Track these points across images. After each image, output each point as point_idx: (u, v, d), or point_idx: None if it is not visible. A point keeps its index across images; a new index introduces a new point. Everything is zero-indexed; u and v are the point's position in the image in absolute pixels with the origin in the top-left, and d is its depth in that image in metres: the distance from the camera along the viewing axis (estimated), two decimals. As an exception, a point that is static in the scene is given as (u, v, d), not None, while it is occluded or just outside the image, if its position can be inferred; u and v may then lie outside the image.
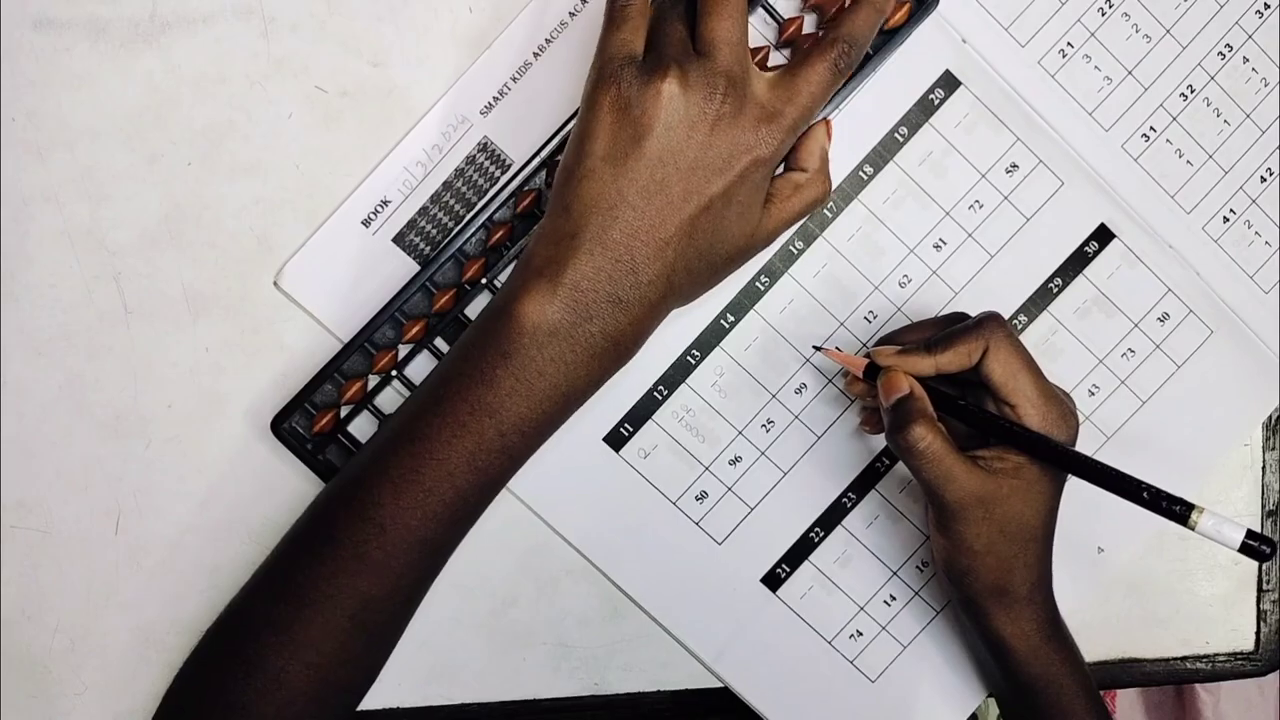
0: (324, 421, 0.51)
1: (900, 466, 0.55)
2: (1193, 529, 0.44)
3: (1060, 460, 0.47)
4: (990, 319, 0.48)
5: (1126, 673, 0.58)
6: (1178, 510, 0.44)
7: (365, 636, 0.45)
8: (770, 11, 0.51)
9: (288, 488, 0.52)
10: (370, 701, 0.53)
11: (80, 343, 0.51)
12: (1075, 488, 0.55)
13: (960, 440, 0.48)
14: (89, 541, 0.52)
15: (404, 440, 0.44)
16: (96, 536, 0.52)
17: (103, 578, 0.53)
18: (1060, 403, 0.48)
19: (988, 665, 0.54)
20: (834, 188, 0.53)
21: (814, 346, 0.54)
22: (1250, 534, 0.43)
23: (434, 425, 0.44)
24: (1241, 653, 0.59)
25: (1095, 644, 0.57)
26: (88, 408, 0.52)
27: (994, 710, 1.00)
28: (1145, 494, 0.45)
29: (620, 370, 0.46)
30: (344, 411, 0.51)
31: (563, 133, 0.50)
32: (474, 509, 0.46)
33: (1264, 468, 0.58)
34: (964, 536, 0.48)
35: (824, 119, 0.49)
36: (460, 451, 0.44)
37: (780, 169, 0.48)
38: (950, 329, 0.49)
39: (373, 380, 0.51)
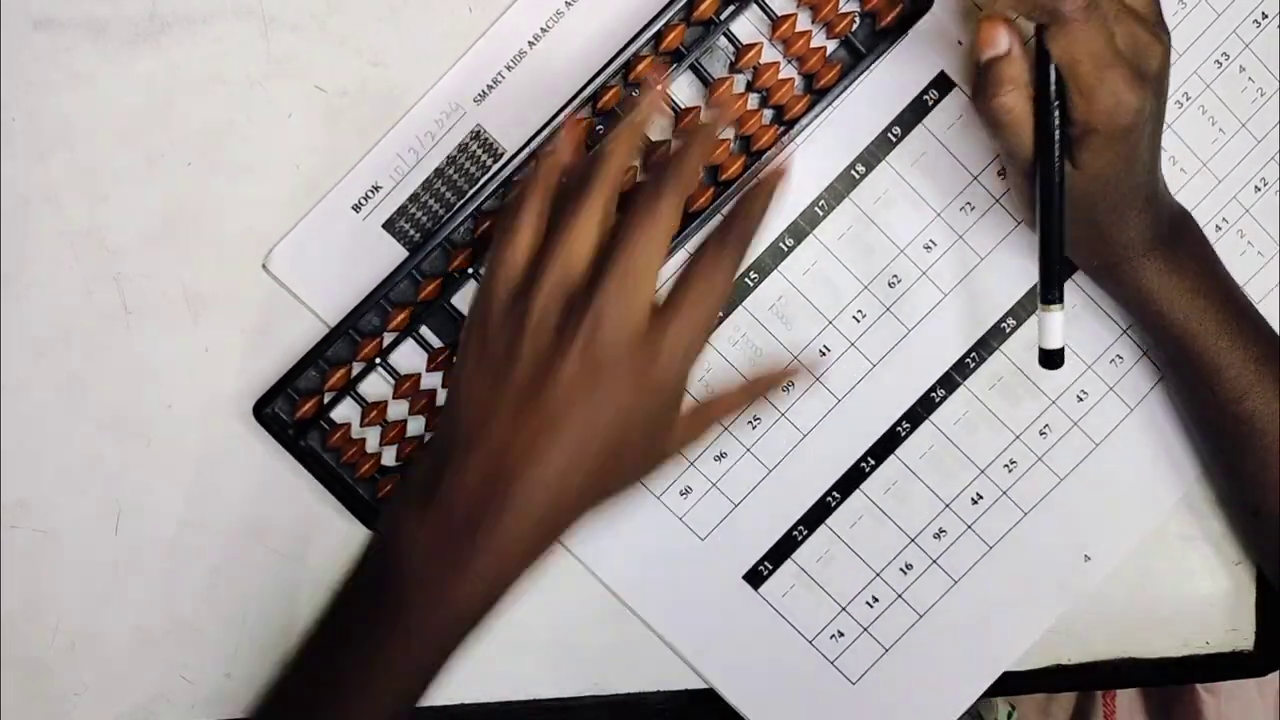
0: (306, 408, 0.51)
1: (886, 466, 0.55)
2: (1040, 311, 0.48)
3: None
4: None
5: (1126, 673, 0.57)
6: (1051, 296, 0.47)
7: None
8: (764, 8, 0.51)
9: (288, 488, 0.52)
10: (369, 701, 0.53)
11: (80, 343, 0.52)
12: (1057, 499, 0.55)
13: None
14: (89, 541, 0.52)
15: (379, 647, 0.41)
16: (96, 536, 0.52)
17: (103, 578, 0.53)
18: (1113, 84, 0.43)
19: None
20: (827, 186, 0.53)
21: None
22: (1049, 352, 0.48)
23: (413, 650, 0.42)
24: (1241, 653, 0.58)
25: (1095, 644, 0.57)
26: (88, 408, 0.52)
27: (1002, 710, 0.99)
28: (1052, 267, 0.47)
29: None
30: (327, 398, 0.51)
31: (555, 123, 0.49)
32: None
33: (1262, 467, 0.58)
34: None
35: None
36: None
37: None
38: None
39: (356, 367, 0.51)
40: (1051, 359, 0.48)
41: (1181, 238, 0.50)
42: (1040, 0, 0.42)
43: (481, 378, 0.42)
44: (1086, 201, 0.47)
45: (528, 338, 0.41)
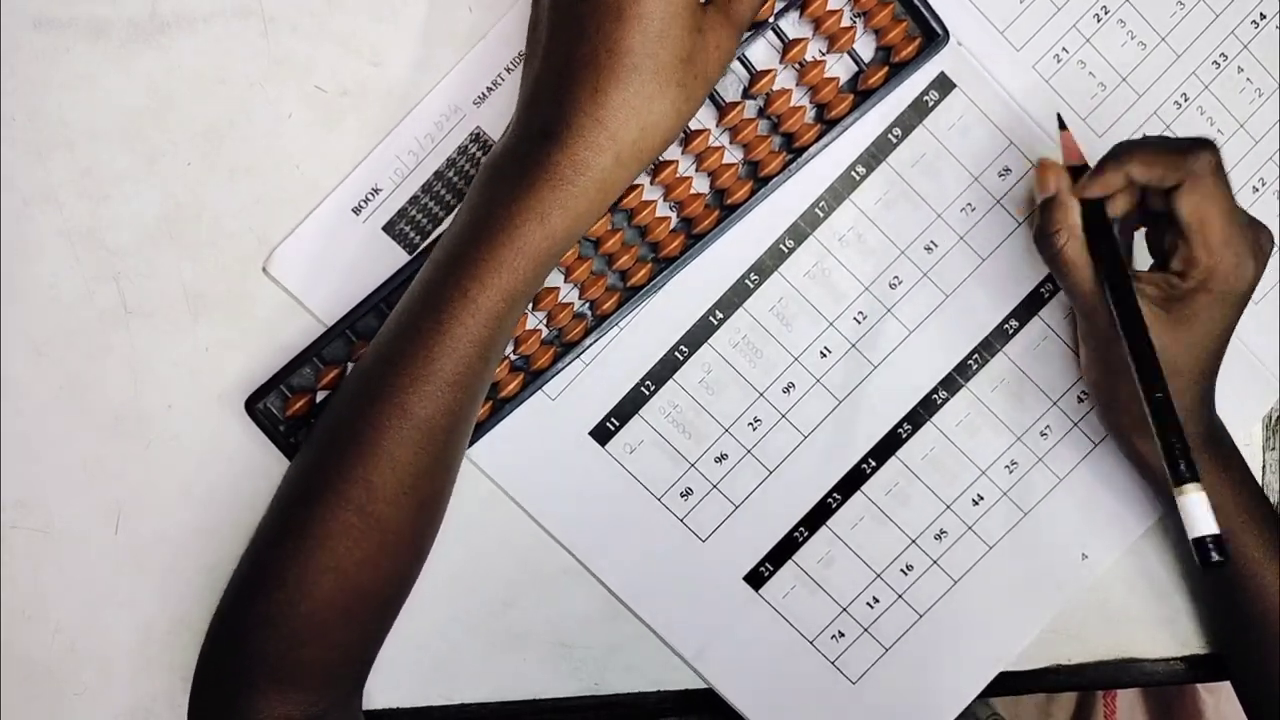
0: (298, 405, 0.51)
1: (887, 468, 0.55)
2: (1175, 495, 0.42)
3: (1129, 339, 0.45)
4: (1205, 146, 0.46)
5: (1126, 673, 0.57)
6: (1181, 470, 0.42)
7: (377, 534, 0.45)
8: (778, 33, 0.51)
9: (287, 487, 0.52)
10: (370, 701, 0.53)
11: (80, 343, 0.52)
12: (1057, 499, 0.55)
13: None
14: (89, 541, 0.52)
15: (413, 320, 0.45)
16: (96, 536, 0.52)
17: (103, 578, 0.53)
18: (1239, 246, 0.46)
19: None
20: (827, 188, 0.53)
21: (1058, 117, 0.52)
22: (1208, 539, 0.40)
23: (444, 299, 0.45)
24: (1241, 653, 0.58)
25: (1095, 644, 0.57)
26: (88, 408, 0.52)
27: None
28: (1176, 446, 0.43)
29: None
30: (319, 397, 0.51)
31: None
32: (476, 386, 0.46)
33: (1264, 467, 0.57)
34: (1106, 353, 0.49)
35: None
36: (467, 325, 0.44)
37: None
38: (1161, 138, 0.48)
39: (350, 368, 0.51)
40: (1206, 552, 0.39)
41: (1224, 440, 0.52)
42: (1172, 161, 0.45)
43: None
44: (1176, 363, 0.48)
45: None
